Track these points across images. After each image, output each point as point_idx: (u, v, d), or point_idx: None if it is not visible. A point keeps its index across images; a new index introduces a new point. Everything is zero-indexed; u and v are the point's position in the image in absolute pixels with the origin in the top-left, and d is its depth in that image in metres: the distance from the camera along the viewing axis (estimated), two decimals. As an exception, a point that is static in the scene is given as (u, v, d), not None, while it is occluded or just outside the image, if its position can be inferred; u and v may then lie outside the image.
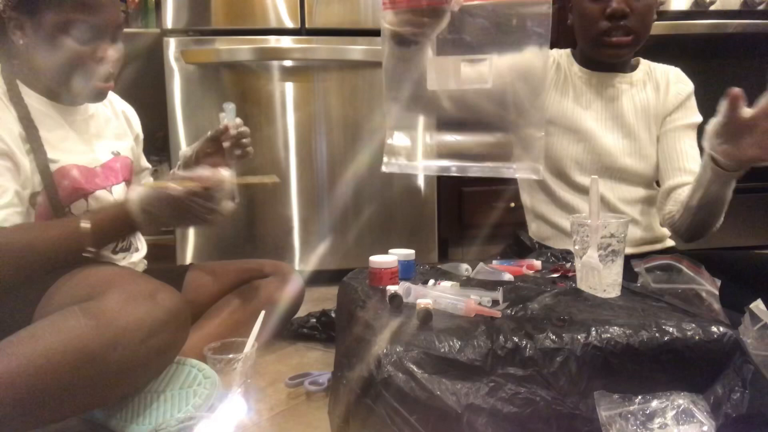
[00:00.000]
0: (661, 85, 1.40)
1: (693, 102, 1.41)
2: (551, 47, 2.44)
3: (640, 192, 1.39)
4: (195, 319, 1.28)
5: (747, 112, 1.03)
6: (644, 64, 1.42)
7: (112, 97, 1.36)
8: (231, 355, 1.07)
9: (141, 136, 1.42)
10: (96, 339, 0.90)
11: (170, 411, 1.00)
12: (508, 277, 1.06)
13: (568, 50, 1.43)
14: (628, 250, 1.32)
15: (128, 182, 1.31)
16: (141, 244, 1.39)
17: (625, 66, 1.40)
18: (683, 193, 1.29)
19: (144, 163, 1.45)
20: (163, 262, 1.73)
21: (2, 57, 1.15)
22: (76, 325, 0.91)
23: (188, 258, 2.07)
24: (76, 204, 1.17)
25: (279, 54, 2.05)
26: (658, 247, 1.40)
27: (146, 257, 1.44)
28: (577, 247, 0.99)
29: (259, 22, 2.04)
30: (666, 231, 1.41)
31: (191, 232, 2.08)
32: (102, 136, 1.28)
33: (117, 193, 1.24)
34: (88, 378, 0.91)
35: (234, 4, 2.03)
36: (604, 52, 1.33)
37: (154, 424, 0.99)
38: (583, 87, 1.38)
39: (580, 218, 0.98)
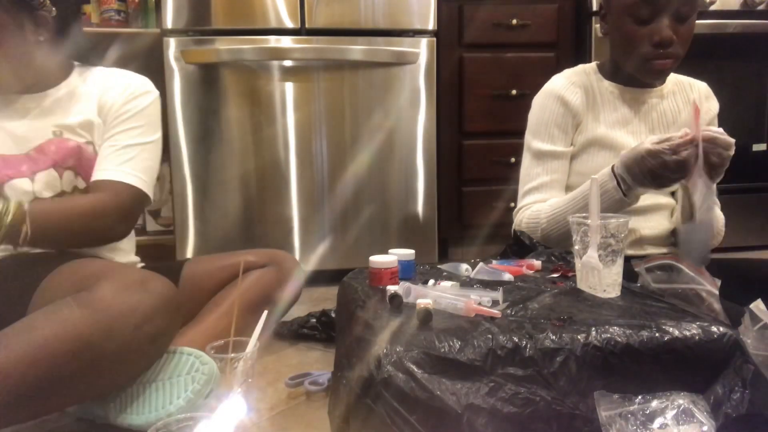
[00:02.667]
0: (692, 100, 1.40)
1: (716, 122, 1.43)
2: (552, 49, 2.45)
3: (668, 198, 1.40)
4: (194, 314, 1.27)
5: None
6: (671, 75, 1.41)
7: (96, 76, 1.31)
8: (233, 354, 1.07)
9: (119, 114, 1.28)
10: (92, 328, 0.91)
11: (170, 398, 1.00)
12: (508, 277, 1.06)
13: (594, 65, 1.41)
14: (644, 251, 1.33)
15: (76, 167, 1.25)
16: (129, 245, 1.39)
17: (665, 78, 1.39)
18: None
19: (121, 140, 1.28)
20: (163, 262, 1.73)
21: None
22: (71, 315, 0.92)
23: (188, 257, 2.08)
24: None
25: (279, 54, 2.05)
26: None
27: (145, 258, 1.44)
28: (577, 247, 0.99)
29: (259, 22, 2.04)
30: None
31: (191, 232, 2.08)
32: (46, 117, 1.24)
33: (39, 180, 1.22)
34: (85, 367, 0.92)
35: (234, 4, 2.03)
36: (647, 76, 1.32)
37: (153, 412, 0.99)
38: (616, 102, 1.36)
39: (580, 218, 0.98)
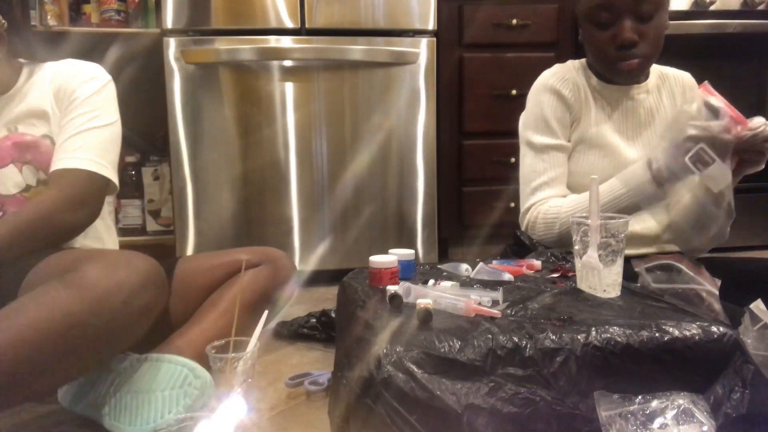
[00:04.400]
0: (676, 93, 1.40)
1: (703, 111, 1.42)
2: (552, 49, 2.44)
3: None
4: (189, 314, 1.26)
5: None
6: (655, 68, 1.41)
7: (45, 70, 1.32)
8: (233, 354, 1.07)
9: (71, 101, 1.28)
10: (80, 306, 0.92)
11: (161, 411, 1.00)
12: (508, 277, 1.06)
13: (583, 61, 1.40)
14: (640, 250, 1.33)
15: (36, 161, 1.26)
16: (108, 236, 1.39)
17: (640, 77, 1.39)
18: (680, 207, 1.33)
19: (73, 127, 1.28)
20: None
21: None
22: (58, 295, 0.93)
23: (188, 258, 2.07)
24: None
25: (279, 54, 2.05)
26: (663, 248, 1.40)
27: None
28: (577, 247, 0.99)
29: (259, 22, 2.04)
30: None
31: (191, 231, 2.08)
32: (4, 113, 1.26)
33: (2, 177, 1.23)
34: (76, 345, 0.93)
35: (234, 4, 2.03)
36: (617, 78, 1.33)
37: (144, 424, 0.99)
38: (603, 102, 1.36)
39: (580, 218, 0.98)
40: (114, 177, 1.29)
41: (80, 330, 0.92)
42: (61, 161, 1.24)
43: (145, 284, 1.00)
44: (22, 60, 1.33)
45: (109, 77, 1.34)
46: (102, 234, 1.37)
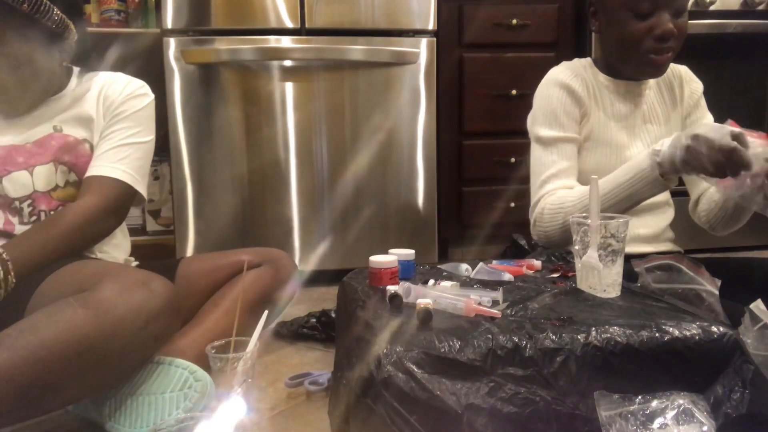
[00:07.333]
0: (674, 85, 1.41)
1: (704, 101, 1.43)
2: (552, 49, 2.44)
3: (662, 195, 1.37)
4: (191, 315, 1.27)
5: None
6: None
7: (96, 78, 1.34)
8: (233, 354, 1.07)
9: (118, 113, 1.31)
10: (96, 329, 0.92)
11: (161, 414, 1.00)
12: (508, 277, 1.06)
13: (589, 60, 1.40)
14: (640, 248, 1.33)
15: (71, 163, 1.28)
16: (123, 242, 1.40)
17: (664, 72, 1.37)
18: (713, 194, 1.34)
19: (117, 138, 1.31)
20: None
21: None
22: (75, 315, 0.92)
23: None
24: None
25: (279, 54, 2.05)
26: (663, 247, 1.40)
27: (145, 258, 1.44)
28: (577, 247, 0.99)
29: (259, 22, 2.04)
30: (672, 234, 1.41)
31: (191, 231, 2.08)
32: (51, 112, 1.28)
33: (38, 174, 1.24)
34: (89, 367, 0.93)
35: (234, 4, 2.03)
36: (647, 70, 1.31)
37: (145, 426, 1.00)
38: (611, 97, 1.36)
39: (580, 218, 0.98)
40: (144, 192, 1.33)
41: (94, 354, 0.92)
42: (101, 168, 1.27)
43: (163, 310, 1.00)
44: (74, 66, 1.35)
45: (153, 96, 1.38)
46: (120, 242, 1.38)
